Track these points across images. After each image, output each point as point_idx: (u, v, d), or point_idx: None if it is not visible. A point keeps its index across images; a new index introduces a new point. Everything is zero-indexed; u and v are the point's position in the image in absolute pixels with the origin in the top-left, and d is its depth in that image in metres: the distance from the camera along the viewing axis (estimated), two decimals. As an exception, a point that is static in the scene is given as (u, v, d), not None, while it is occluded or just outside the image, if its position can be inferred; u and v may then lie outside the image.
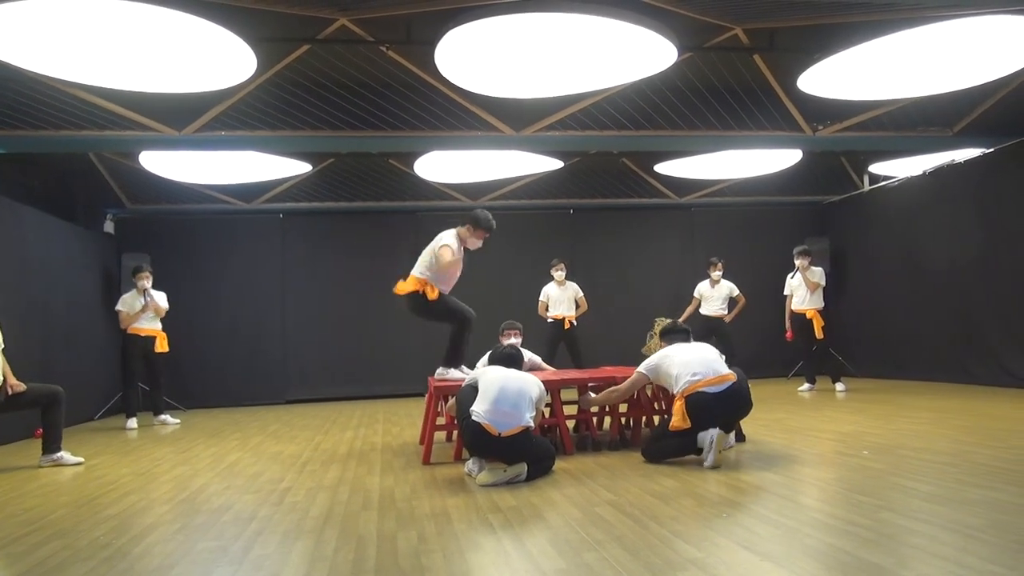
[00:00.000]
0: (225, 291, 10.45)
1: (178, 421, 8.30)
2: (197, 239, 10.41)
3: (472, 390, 4.35)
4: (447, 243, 5.45)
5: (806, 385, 9.03)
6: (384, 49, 6.72)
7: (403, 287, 5.56)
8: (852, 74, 6.40)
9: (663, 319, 5.36)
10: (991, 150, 8.60)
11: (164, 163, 8.69)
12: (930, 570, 2.41)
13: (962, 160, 9.04)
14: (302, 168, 9.43)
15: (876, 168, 10.68)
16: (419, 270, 5.54)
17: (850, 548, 2.68)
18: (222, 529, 3.38)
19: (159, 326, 8.37)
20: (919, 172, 9.72)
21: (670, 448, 4.45)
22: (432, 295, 5.42)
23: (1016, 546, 2.60)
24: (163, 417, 8.21)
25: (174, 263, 9.92)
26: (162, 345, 8.34)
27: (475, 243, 5.65)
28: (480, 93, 6.90)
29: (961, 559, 2.50)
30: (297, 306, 10.61)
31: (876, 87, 6.87)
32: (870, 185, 10.94)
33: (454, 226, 5.71)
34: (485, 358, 5.03)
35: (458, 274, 5.63)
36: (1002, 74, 6.68)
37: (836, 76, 6.45)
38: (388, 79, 7.41)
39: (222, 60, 5.78)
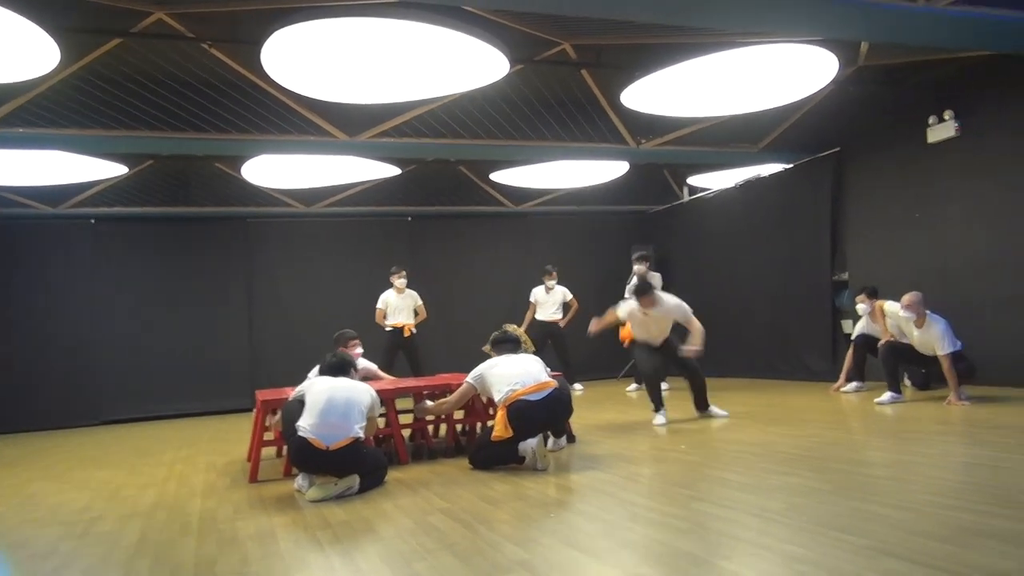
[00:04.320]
0: (31, 304, 9.46)
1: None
2: (-5, 246, 9.37)
3: (298, 403, 4.20)
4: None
5: (634, 385, 9.49)
6: (206, 47, 6.36)
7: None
8: (670, 92, 6.82)
9: (513, 327, 5.43)
10: (791, 165, 9.48)
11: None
12: (733, 553, 2.61)
13: (767, 174, 9.92)
14: (117, 170, 8.73)
15: (694, 180, 11.46)
16: None
17: (665, 539, 2.84)
18: (14, 569, 3.04)
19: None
20: (731, 185, 10.55)
21: (493, 457, 4.51)
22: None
23: (810, 526, 2.86)
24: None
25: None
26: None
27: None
28: (312, 96, 6.70)
29: (761, 541, 2.72)
30: (114, 319, 9.79)
31: (692, 105, 7.36)
32: (689, 196, 11.72)
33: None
34: (315, 369, 4.88)
35: None
36: (798, 97, 7.39)
37: (656, 93, 6.85)
38: (212, 78, 7.02)
39: (20, 50, 5.22)
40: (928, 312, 6.32)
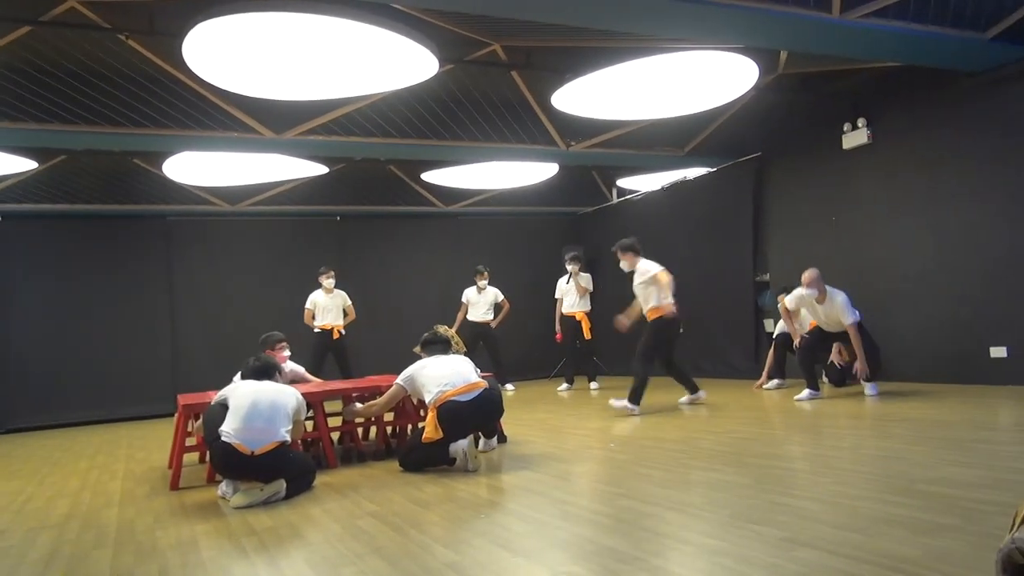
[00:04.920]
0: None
1: None
2: None
3: (221, 408, 4.09)
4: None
5: (565, 385, 9.60)
6: (123, 38, 6.12)
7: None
8: (599, 95, 6.93)
9: (443, 327, 5.41)
10: (715, 169, 9.75)
11: None
12: (657, 548, 2.67)
13: (692, 177, 10.18)
14: (26, 165, 8.32)
15: (623, 182, 11.66)
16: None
17: (593, 536, 2.88)
18: (-90, 588, 2.87)
19: None
20: (659, 187, 10.78)
21: (424, 459, 4.50)
22: None
23: (727, 519, 2.95)
24: None
25: None
26: None
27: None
28: (236, 92, 6.53)
29: (683, 535, 2.79)
30: (20, 321, 9.32)
31: (619, 108, 7.49)
32: (618, 198, 11.92)
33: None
34: (239, 374, 4.76)
35: None
36: (721, 103, 7.61)
37: (585, 96, 6.95)
38: (129, 71, 6.76)
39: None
40: (828, 287, 6.67)
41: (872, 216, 7.76)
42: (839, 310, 6.55)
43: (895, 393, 6.54)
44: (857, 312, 6.61)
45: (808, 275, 6.69)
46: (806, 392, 6.75)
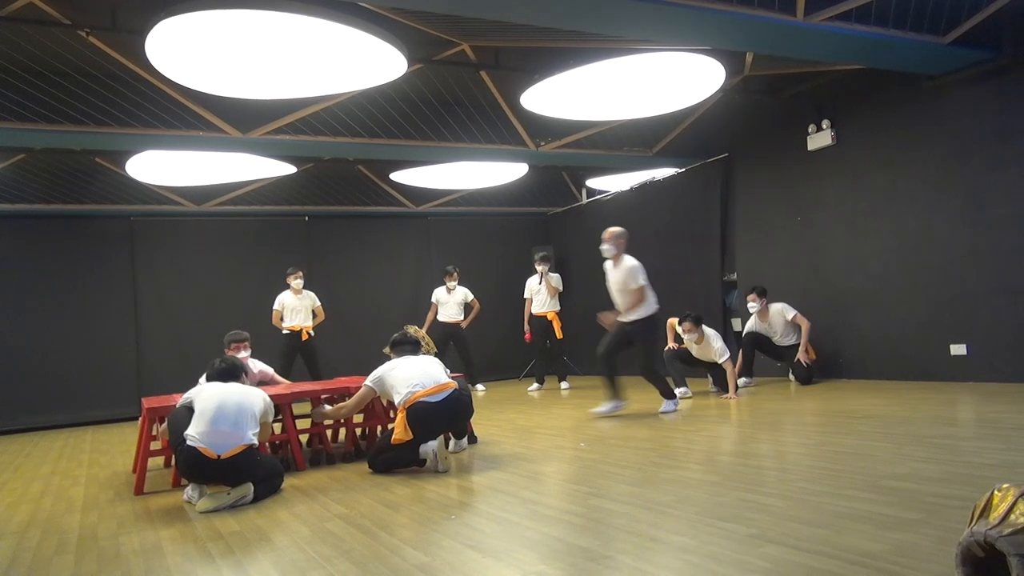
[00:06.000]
0: None
1: None
2: None
3: (187, 411, 4.03)
4: None
5: (535, 385, 9.61)
6: (84, 34, 6.00)
7: None
8: (568, 95, 6.94)
9: (413, 328, 5.39)
10: (683, 170, 9.84)
11: None
12: (627, 546, 2.68)
13: (660, 178, 10.25)
14: (-18, 164, 8.13)
15: (592, 183, 11.72)
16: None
17: (563, 535, 2.89)
18: None
19: None
20: (627, 187, 10.85)
21: (393, 460, 4.47)
22: None
23: (696, 517, 2.97)
24: None
25: None
26: None
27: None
28: (201, 90, 6.43)
29: (653, 533, 2.81)
30: (-21, 324, 9.10)
31: (588, 109, 7.52)
32: (587, 198, 11.97)
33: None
34: (204, 376, 4.69)
35: None
36: (689, 104, 7.68)
37: (554, 96, 6.96)
38: (91, 68, 6.64)
39: None
40: (625, 254, 6.36)
41: (836, 216, 7.88)
42: (627, 274, 6.27)
43: (859, 390, 6.65)
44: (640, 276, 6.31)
45: (608, 232, 6.35)
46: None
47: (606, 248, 6.33)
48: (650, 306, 6.31)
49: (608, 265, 6.41)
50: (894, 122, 7.34)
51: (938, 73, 6.79)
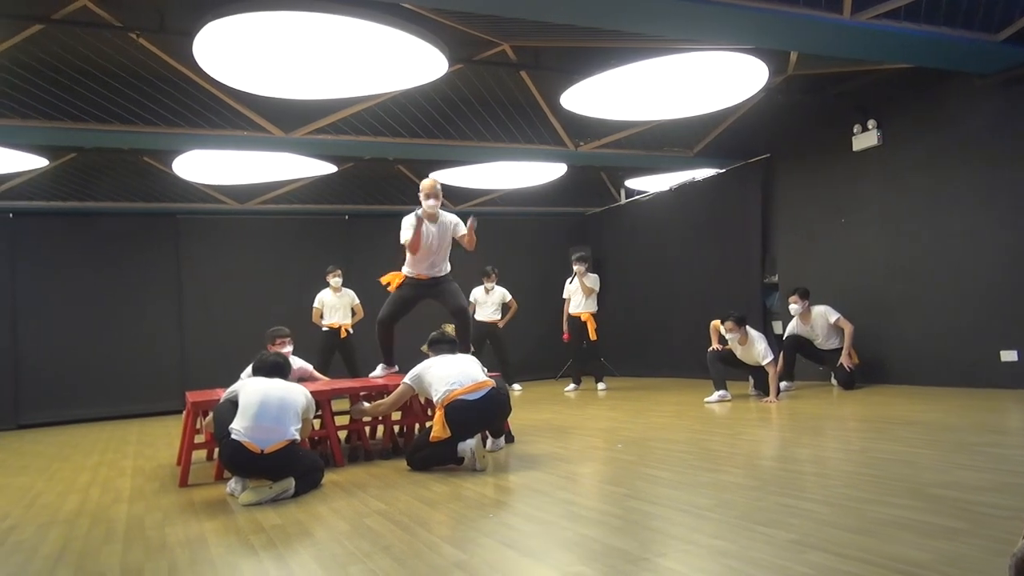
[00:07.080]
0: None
1: None
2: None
3: (231, 405, 4.10)
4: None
5: (572, 385, 9.60)
6: (134, 36, 6.15)
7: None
8: (608, 95, 6.92)
9: (451, 327, 5.43)
10: (723, 170, 9.73)
11: None
12: (665, 549, 2.67)
13: (700, 179, 10.16)
14: (37, 163, 8.36)
15: (631, 183, 11.65)
16: None
17: (600, 536, 2.88)
18: (-78, 582, 2.89)
19: None
20: (666, 188, 10.76)
21: (431, 458, 4.49)
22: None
23: (736, 521, 2.94)
24: None
25: None
26: None
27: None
28: (246, 91, 6.54)
29: (691, 537, 2.78)
30: (31, 318, 9.38)
31: (628, 109, 7.48)
32: (626, 198, 11.90)
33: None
34: (248, 369, 4.78)
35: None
36: (730, 103, 7.59)
37: (594, 96, 6.94)
38: (140, 69, 6.80)
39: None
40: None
41: (881, 218, 7.73)
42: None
43: (903, 396, 6.51)
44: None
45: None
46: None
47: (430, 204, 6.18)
48: None
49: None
50: (943, 122, 7.17)
51: (989, 72, 6.62)
